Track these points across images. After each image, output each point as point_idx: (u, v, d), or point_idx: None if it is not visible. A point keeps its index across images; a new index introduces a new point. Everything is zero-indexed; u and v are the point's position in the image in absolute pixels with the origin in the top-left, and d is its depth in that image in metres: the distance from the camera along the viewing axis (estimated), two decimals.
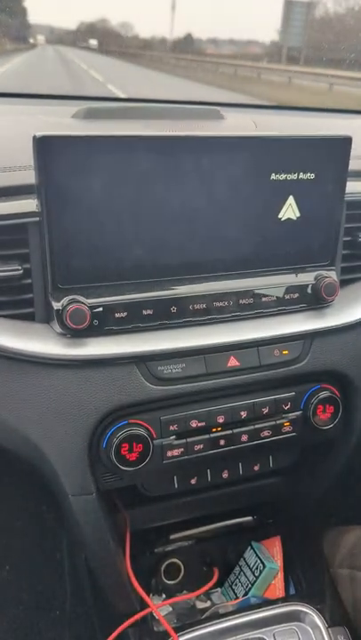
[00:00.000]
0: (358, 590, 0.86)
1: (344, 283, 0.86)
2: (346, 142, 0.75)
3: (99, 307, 0.67)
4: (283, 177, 0.73)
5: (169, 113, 1.03)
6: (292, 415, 0.83)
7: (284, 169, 0.73)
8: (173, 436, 0.77)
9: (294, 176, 0.73)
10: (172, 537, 1.07)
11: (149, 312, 0.71)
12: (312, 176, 0.75)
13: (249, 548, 1.08)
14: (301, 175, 0.74)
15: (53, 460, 0.73)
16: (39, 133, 0.61)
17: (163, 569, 1.08)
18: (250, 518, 1.12)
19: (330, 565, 0.95)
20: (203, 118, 1.05)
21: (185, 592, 1.07)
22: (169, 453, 0.77)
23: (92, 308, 0.66)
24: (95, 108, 0.97)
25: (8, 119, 1.02)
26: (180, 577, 1.09)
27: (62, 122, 0.94)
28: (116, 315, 0.69)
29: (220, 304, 0.75)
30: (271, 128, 1.09)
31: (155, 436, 0.75)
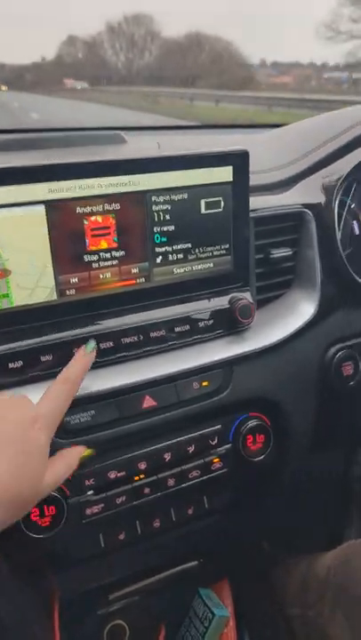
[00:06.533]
0: (311, 631, 0.80)
1: (262, 303, 0.81)
2: (243, 156, 0.71)
3: None
4: (180, 197, 0.68)
5: (71, 141, 0.98)
6: (220, 450, 0.78)
7: (181, 189, 0.68)
8: (91, 492, 0.69)
9: (194, 195, 0.69)
10: (111, 597, 0.97)
11: (48, 358, 0.64)
12: (214, 194, 0.70)
13: (196, 595, 1.00)
14: (202, 194, 0.69)
15: None
16: None
17: (105, 633, 0.98)
18: (195, 563, 1.04)
19: (282, 605, 0.89)
20: (105, 143, 1.00)
21: None
22: (88, 511, 0.69)
23: None
24: None
25: None
26: (127, 639, 0.99)
27: None
28: (10, 365, 0.62)
29: (129, 340, 0.69)
30: (176, 148, 1.05)
31: (68, 494, 0.67)
